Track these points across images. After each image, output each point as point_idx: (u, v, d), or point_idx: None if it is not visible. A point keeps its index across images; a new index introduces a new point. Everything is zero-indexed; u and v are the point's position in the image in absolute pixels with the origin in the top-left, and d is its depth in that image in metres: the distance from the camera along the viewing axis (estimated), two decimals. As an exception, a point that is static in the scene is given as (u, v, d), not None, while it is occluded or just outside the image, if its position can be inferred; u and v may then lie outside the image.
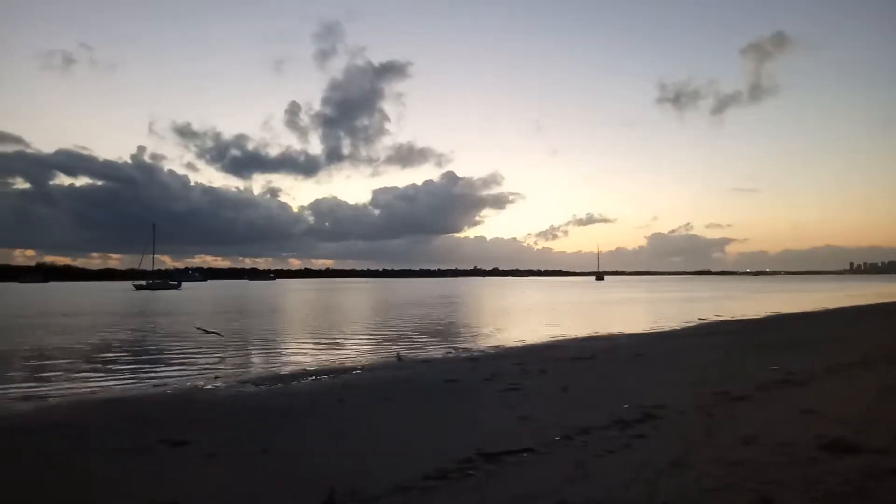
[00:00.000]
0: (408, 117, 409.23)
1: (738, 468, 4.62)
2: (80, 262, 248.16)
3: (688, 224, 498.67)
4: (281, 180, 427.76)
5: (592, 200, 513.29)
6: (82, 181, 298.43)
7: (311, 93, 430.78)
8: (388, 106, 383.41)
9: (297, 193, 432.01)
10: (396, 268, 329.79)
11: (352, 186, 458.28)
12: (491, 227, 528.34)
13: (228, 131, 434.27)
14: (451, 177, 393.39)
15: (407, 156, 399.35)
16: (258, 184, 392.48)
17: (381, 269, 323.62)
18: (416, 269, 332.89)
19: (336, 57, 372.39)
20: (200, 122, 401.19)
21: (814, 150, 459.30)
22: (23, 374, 12.46)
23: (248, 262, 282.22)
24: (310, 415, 7.74)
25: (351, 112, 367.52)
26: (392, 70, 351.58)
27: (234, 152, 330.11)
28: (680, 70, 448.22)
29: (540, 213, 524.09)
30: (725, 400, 7.49)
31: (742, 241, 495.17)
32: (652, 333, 19.70)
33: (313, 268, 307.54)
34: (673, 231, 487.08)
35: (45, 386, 10.99)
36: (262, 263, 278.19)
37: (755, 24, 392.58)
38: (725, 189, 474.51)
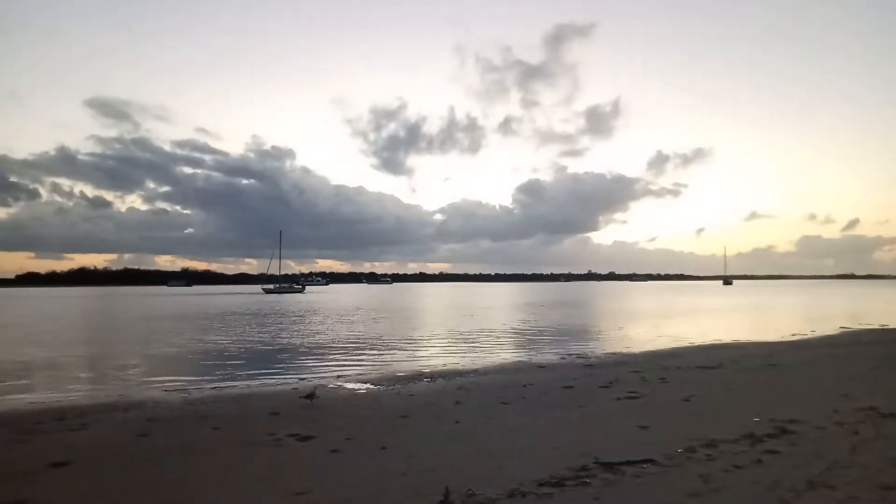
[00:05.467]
0: (592, 84, 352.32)
1: (890, 493, 4.21)
2: (215, 267, 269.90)
3: (882, 216, 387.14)
4: (431, 162, 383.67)
5: (766, 192, 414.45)
6: (209, 174, 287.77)
7: (478, 55, 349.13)
8: (570, 71, 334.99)
9: (439, 186, 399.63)
10: (509, 272, 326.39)
11: (508, 166, 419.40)
12: (632, 224, 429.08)
13: (387, 103, 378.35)
14: (612, 165, 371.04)
15: (593, 127, 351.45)
16: (404, 176, 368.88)
17: (493, 274, 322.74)
18: (529, 273, 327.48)
19: (512, 13, 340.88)
20: (352, 95, 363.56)
21: None
22: (171, 370, 13.98)
23: (367, 266, 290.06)
24: (426, 416, 8.03)
25: (527, 76, 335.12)
26: (575, 28, 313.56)
27: (392, 127, 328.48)
28: None
29: (701, 207, 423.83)
30: (874, 416, 6.82)
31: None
32: (786, 342, 18.16)
33: (428, 272, 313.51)
34: (849, 225, 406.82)
35: (190, 381, 12.28)
36: (379, 268, 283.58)
37: None
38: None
